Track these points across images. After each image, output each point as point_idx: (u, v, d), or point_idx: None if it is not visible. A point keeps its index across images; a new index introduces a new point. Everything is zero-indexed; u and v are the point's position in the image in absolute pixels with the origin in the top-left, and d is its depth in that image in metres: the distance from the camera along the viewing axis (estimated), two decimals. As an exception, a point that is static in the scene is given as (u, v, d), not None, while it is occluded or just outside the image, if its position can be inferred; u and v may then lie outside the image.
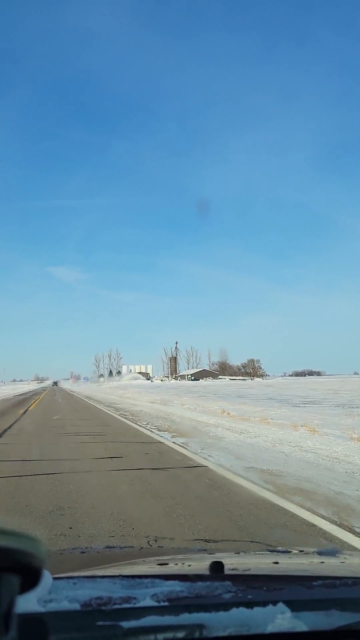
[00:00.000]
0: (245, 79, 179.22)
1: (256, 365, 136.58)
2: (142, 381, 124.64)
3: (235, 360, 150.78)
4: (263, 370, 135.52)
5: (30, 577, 0.53)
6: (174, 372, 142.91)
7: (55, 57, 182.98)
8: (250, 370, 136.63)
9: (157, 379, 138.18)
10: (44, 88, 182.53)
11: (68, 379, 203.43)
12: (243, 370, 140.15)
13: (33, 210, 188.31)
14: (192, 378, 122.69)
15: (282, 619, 0.75)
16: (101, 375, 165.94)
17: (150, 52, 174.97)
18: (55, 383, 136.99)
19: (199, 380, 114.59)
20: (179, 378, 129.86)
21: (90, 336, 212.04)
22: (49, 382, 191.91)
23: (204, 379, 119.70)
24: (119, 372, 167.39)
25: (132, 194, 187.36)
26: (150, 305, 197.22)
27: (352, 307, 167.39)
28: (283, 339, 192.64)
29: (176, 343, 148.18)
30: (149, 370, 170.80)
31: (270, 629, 0.74)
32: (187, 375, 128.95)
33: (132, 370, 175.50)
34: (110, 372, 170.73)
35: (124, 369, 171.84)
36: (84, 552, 1.76)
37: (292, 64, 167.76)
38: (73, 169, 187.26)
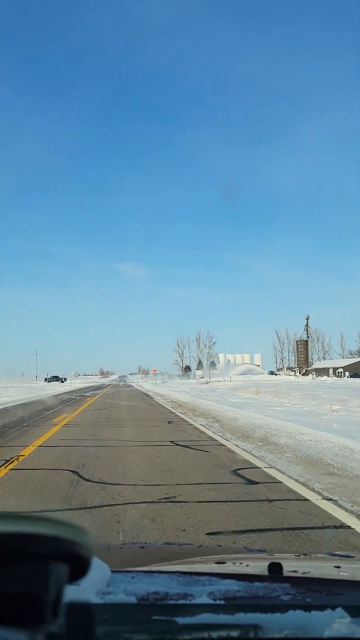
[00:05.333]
0: (316, 68, 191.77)
1: None
2: (266, 376, 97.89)
3: None
4: None
5: (78, 567, 0.61)
6: (304, 363, 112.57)
7: (119, 50, 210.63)
8: None
9: (282, 374, 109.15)
10: (108, 82, 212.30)
11: (135, 374, 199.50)
12: None
13: (98, 207, 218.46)
14: (348, 373, 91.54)
15: (340, 624, 0.83)
16: (186, 368, 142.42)
17: (217, 42, 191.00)
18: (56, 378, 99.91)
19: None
20: (313, 373, 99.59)
21: (156, 331, 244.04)
22: (114, 377, 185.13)
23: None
24: (212, 364, 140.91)
25: (196, 187, 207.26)
26: (214, 301, 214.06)
27: None
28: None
29: (307, 319, 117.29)
30: (257, 361, 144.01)
31: (327, 633, 0.82)
32: (336, 369, 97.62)
33: (232, 361, 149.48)
34: (200, 362, 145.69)
35: (220, 359, 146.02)
36: (143, 547, 2.10)
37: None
38: (138, 164, 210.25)
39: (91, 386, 59.10)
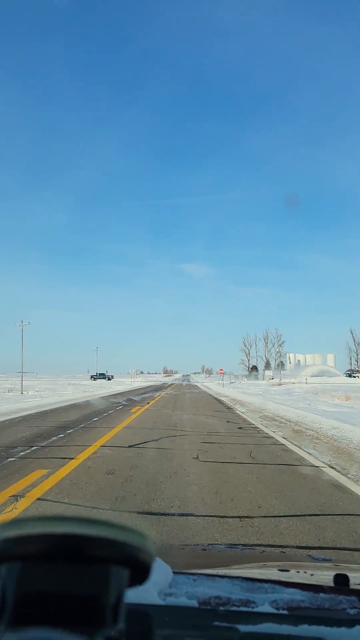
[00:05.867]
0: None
1: None
2: (344, 378, 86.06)
3: None
4: None
5: (139, 572, 0.60)
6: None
7: (186, 51, 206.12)
8: None
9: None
10: (175, 83, 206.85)
11: (199, 373, 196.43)
12: None
13: (164, 207, 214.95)
14: None
15: None
16: (253, 368, 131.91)
17: (285, 39, 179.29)
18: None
19: None
20: None
21: (220, 331, 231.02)
22: (178, 376, 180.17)
23: None
24: (281, 364, 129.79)
25: (262, 187, 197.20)
26: (281, 300, 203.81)
27: None
28: None
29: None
30: (330, 362, 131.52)
31: None
32: None
33: (302, 361, 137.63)
34: (268, 362, 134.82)
35: (291, 359, 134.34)
36: (205, 550, 2.00)
37: None
38: (204, 164, 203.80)
39: (150, 386, 51.06)
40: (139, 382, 65.89)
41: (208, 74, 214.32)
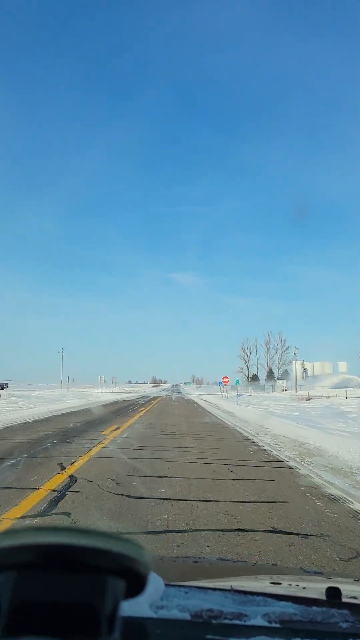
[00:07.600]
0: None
1: None
2: None
3: None
4: None
5: (135, 584, 0.59)
6: None
7: (179, 61, 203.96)
8: None
9: None
10: (167, 92, 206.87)
11: (189, 383, 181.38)
12: None
13: (155, 217, 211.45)
14: None
15: None
16: (254, 377, 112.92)
17: (279, 51, 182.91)
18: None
19: None
20: None
21: (211, 341, 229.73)
22: (167, 386, 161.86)
23: None
24: (284, 373, 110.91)
25: (254, 197, 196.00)
26: (274, 310, 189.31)
27: None
28: None
29: None
30: (342, 370, 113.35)
31: None
32: None
33: (310, 370, 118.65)
34: (270, 371, 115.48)
35: (297, 367, 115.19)
36: (196, 562, 1.96)
37: None
38: (195, 174, 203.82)
39: (115, 402, 31.31)
40: (109, 395, 46.32)
41: (200, 84, 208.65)
